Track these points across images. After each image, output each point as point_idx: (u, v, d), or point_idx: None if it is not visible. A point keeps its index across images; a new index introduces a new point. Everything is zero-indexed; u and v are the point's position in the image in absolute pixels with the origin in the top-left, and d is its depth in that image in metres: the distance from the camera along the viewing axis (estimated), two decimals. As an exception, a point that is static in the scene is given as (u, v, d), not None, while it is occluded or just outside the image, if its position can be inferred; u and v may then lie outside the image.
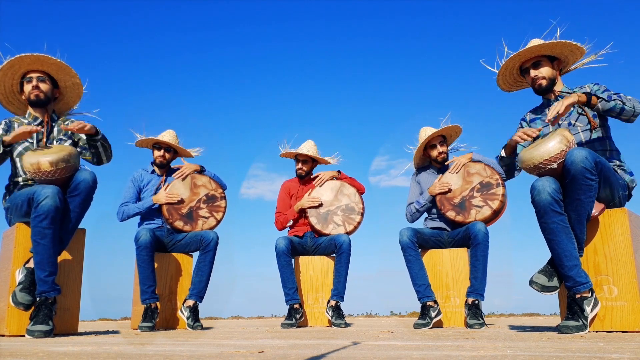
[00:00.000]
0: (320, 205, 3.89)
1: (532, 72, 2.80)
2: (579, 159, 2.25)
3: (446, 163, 3.62)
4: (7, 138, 2.75)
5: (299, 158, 4.07)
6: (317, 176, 4.01)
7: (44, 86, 3.01)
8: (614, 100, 2.44)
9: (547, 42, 2.71)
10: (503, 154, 2.85)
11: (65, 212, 2.70)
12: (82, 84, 3.15)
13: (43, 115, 3.05)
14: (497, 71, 2.93)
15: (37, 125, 3.01)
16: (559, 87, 2.83)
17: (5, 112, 3.17)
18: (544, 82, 2.79)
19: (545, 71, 2.79)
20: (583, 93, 2.49)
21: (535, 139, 2.62)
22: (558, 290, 2.45)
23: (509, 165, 2.91)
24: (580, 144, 2.67)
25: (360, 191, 4.00)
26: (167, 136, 3.80)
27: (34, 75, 2.99)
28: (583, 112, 2.70)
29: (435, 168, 3.71)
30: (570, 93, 2.76)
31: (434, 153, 3.62)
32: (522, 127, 2.96)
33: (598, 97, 2.46)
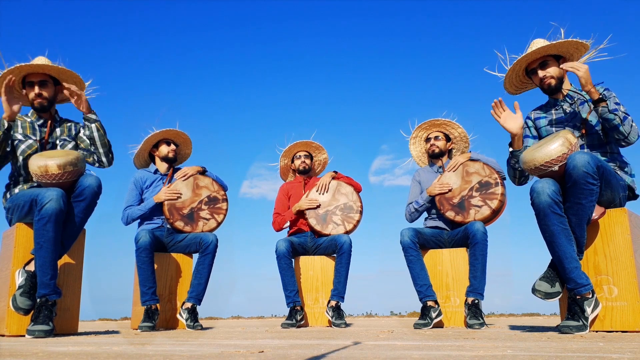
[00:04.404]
0: (319, 206, 3.89)
1: (541, 73, 2.78)
2: (581, 164, 2.24)
3: (447, 164, 3.62)
4: (4, 116, 2.73)
5: (299, 153, 4.07)
6: (320, 184, 3.95)
7: (46, 91, 2.99)
8: (617, 114, 2.44)
9: (553, 42, 2.70)
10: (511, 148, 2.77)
11: (69, 216, 2.70)
12: (85, 81, 3.17)
13: (45, 116, 3.05)
14: (504, 75, 2.92)
15: (40, 125, 3.02)
16: (566, 85, 2.82)
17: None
18: (553, 82, 2.77)
19: (552, 70, 2.77)
20: (600, 94, 2.48)
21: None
22: (561, 294, 2.45)
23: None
24: (581, 145, 2.66)
25: (357, 190, 3.99)
26: (170, 130, 3.80)
27: (35, 79, 2.96)
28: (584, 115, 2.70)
29: (436, 166, 3.72)
30: (578, 93, 2.75)
31: (427, 146, 3.69)
32: (528, 126, 2.95)
33: (606, 104, 2.46)
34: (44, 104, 2.98)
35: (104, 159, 3.10)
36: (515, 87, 3.04)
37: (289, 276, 3.68)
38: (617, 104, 2.52)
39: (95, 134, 3.05)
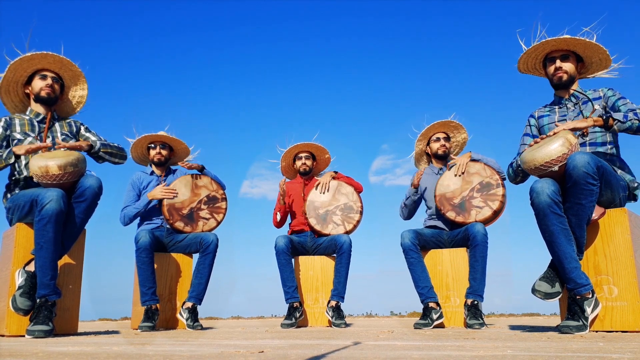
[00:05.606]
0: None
1: (558, 63, 2.77)
2: (581, 164, 2.24)
3: (448, 163, 3.61)
4: (18, 151, 2.73)
5: (300, 154, 4.07)
6: (319, 184, 3.94)
7: (57, 87, 3.06)
8: (630, 120, 2.40)
9: (587, 39, 2.67)
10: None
11: (69, 217, 2.70)
12: (87, 97, 3.23)
13: (46, 112, 3.06)
14: (527, 48, 2.83)
15: (39, 121, 3.02)
16: (574, 87, 2.82)
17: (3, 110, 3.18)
18: (564, 76, 2.77)
19: (569, 66, 2.77)
20: (599, 116, 2.46)
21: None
22: (561, 295, 2.45)
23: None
24: (582, 144, 2.66)
25: (358, 190, 3.99)
26: (157, 134, 3.80)
27: (50, 74, 3.02)
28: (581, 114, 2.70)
29: (437, 168, 3.71)
30: (583, 93, 2.75)
31: (436, 146, 3.64)
32: (530, 124, 2.94)
33: (614, 119, 2.43)
34: (51, 96, 3.02)
35: (119, 162, 3.24)
36: (527, 66, 2.97)
37: (287, 272, 3.68)
38: (625, 105, 2.51)
39: (108, 157, 3.14)
